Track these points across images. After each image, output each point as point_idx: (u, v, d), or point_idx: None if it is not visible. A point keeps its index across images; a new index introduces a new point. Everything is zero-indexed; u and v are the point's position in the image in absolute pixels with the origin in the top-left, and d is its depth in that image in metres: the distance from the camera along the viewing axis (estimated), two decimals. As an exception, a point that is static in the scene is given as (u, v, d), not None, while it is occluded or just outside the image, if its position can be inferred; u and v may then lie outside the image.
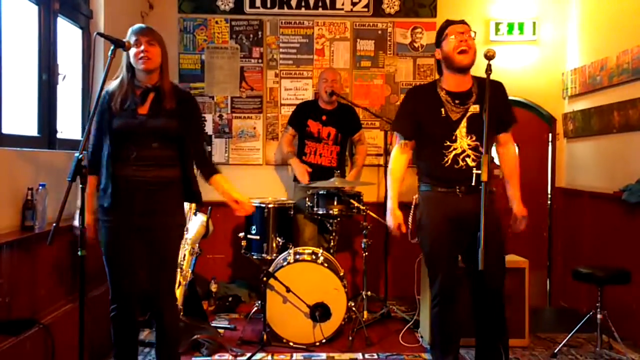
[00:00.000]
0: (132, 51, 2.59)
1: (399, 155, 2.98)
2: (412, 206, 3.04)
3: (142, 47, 2.57)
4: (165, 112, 2.63)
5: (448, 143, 2.79)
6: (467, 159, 2.77)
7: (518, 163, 2.98)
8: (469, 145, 2.78)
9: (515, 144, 2.99)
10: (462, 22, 2.84)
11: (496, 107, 2.74)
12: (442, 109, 2.81)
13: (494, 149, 3.00)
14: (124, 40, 2.57)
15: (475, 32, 2.84)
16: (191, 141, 2.74)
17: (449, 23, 2.85)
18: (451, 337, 2.92)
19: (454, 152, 2.79)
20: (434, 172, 2.85)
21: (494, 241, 2.75)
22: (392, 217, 2.95)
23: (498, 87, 2.86)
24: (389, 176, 3.01)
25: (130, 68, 2.64)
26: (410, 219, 3.07)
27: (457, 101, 2.81)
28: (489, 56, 2.62)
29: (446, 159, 2.79)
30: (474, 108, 2.79)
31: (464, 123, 2.79)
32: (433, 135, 2.83)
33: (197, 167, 2.83)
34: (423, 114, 2.87)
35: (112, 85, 2.65)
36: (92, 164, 2.62)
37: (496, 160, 3.02)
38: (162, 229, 2.65)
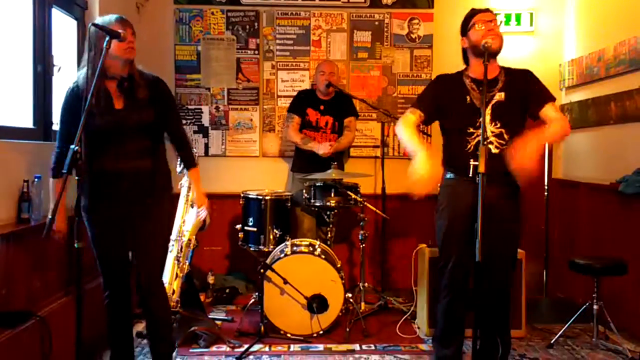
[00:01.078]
0: (115, 42, 2.54)
1: (408, 115, 2.85)
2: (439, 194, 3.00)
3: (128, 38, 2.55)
4: (141, 103, 2.62)
5: (471, 130, 2.77)
6: (490, 146, 2.72)
7: (562, 123, 2.77)
8: (492, 132, 2.75)
9: (564, 117, 2.81)
10: (487, 10, 2.82)
11: (522, 94, 2.77)
12: (468, 96, 2.79)
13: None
14: (120, 31, 2.54)
15: (501, 21, 2.81)
16: (167, 125, 2.74)
17: (475, 12, 2.82)
18: (456, 329, 2.92)
19: (477, 139, 2.75)
20: (457, 159, 2.84)
21: (508, 236, 2.75)
22: (418, 167, 2.57)
23: (525, 74, 2.84)
24: (400, 131, 2.81)
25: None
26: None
27: (481, 88, 2.79)
28: (486, 47, 2.61)
29: (469, 146, 2.77)
30: (499, 95, 2.77)
31: (488, 110, 2.76)
32: (457, 121, 2.82)
33: (176, 151, 2.84)
34: (447, 100, 2.86)
35: (81, 78, 2.56)
36: (57, 168, 2.53)
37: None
38: (147, 218, 2.66)
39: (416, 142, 2.72)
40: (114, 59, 2.56)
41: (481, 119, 2.70)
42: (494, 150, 2.73)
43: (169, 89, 2.84)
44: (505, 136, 2.77)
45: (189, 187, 3.38)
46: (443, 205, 2.90)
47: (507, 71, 2.85)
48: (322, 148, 4.25)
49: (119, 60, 2.58)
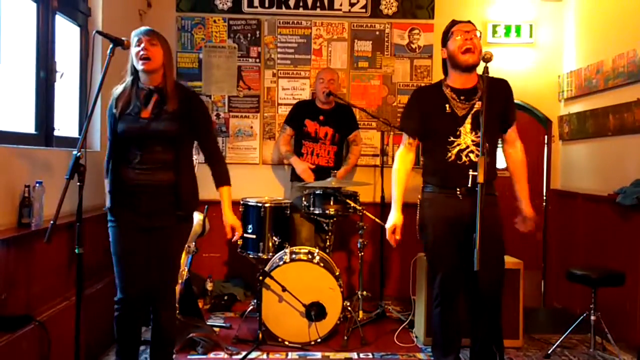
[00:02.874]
0: (134, 51, 2.59)
1: (405, 155, 2.99)
2: (418, 207, 3.04)
3: (142, 46, 2.57)
4: (167, 115, 2.62)
5: (452, 138, 2.81)
6: (470, 155, 2.78)
7: (525, 162, 2.99)
8: (472, 141, 2.79)
9: (521, 143, 2.99)
10: (468, 22, 2.87)
11: (499, 105, 2.80)
12: (447, 105, 2.83)
13: (499, 150, 3.02)
14: (123, 38, 2.57)
15: (480, 32, 2.87)
16: (200, 140, 2.81)
17: (454, 23, 2.87)
18: (452, 337, 2.93)
19: (457, 148, 2.80)
20: (438, 168, 2.86)
21: (493, 245, 2.76)
22: (391, 219, 2.94)
23: (502, 84, 2.89)
24: (393, 177, 2.99)
25: (134, 71, 2.64)
26: (417, 219, 3.06)
27: (462, 97, 2.84)
28: (486, 59, 2.64)
29: (449, 154, 2.81)
30: (479, 105, 2.79)
31: (469, 119, 2.81)
32: (437, 131, 2.85)
33: (209, 166, 2.87)
34: (429, 110, 2.89)
35: (118, 89, 2.67)
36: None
37: (499, 162, 3.00)
38: (165, 231, 2.66)
39: (398, 198, 2.95)
40: (138, 70, 2.63)
41: (462, 128, 2.81)
42: (475, 159, 2.76)
43: (204, 106, 2.88)
44: (485, 145, 2.79)
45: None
46: (425, 218, 2.92)
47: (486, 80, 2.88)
48: (306, 177, 4.28)
49: (141, 72, 2.62)
